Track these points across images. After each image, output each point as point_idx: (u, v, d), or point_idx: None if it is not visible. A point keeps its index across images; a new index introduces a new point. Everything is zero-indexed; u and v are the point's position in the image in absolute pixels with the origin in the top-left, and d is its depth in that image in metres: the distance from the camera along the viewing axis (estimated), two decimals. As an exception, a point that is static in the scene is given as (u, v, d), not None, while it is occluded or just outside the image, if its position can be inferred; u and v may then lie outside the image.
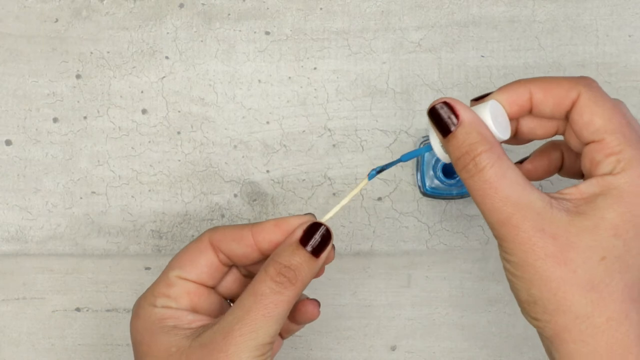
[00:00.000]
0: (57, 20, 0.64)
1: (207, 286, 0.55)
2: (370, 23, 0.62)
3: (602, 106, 0.51)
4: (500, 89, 0.50)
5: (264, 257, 0.53)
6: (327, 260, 0.54)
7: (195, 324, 0.55)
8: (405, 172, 0.63)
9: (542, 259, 0.49)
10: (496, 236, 0.50)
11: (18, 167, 0.64)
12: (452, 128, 0.50)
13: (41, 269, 0.64)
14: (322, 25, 0.63)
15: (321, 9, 0.63)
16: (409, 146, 0.63)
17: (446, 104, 0.50)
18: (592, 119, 0.51)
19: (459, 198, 0.61)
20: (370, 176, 0.54)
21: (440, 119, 0.51)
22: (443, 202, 0.63)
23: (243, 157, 0.63)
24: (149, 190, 0.63)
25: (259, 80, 0.63)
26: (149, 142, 0.63)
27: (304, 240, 0.54)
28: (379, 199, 0.63)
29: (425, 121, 0.63)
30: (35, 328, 0.65)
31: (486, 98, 0.50)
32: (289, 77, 0.63)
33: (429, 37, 0.62)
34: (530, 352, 0.64)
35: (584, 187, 0.50)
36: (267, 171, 0.63)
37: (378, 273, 0.64)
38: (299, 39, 0.63)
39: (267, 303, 0.52)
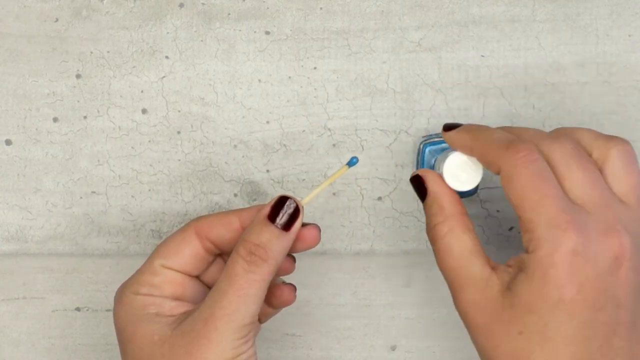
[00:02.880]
0: (57, 20, 0.64)
1: (191, 275, 0.55)
2: (370, 23, 0.63)
3: (516, 183, 0.51)
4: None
5: None
6: (308, 242, 0.54)
7: (177, 310, 0.54)
8: (406, 172, 0.64)
9: (474, 329, 0.52)
10: (456, 291, 0.54)
11: (18, 166, 0.64)
12: (423, 198, 0.55)
13: (41, 269, 0.65)
14: (322, 25, 0.63)
15: (321, 8, 0.63)
16: (409, 146, 0.63)
17: (419, 176, 0.55)
18: (509, 197, 0.51)
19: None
20: (351, 163, 0.55)
21: (416, 188, 0.56)
22: (443, 201, 0.63)
23: (243, 156, 0.63)
24: (149, 190, 0.63)
25: (259, 80, 0.63)
26: (149, 141, 0.63)
27: (272, 215, 0.53)
28: (379, 198, 0.63)
29: (424, 121, 0.63)
30: (35, 328, 0.65)
31: (448, 152, 0.54)
32: (289, 77, 0.63)
33: (429, 36, 0.62)
34: (530, 351, 0.64)
35: (513, 262, 0.52)
36: (267, 171, 0.63)
37: (378, 273, 0.64)
38: (299, 38, 0.63)
39: (241, 283, 0.52)
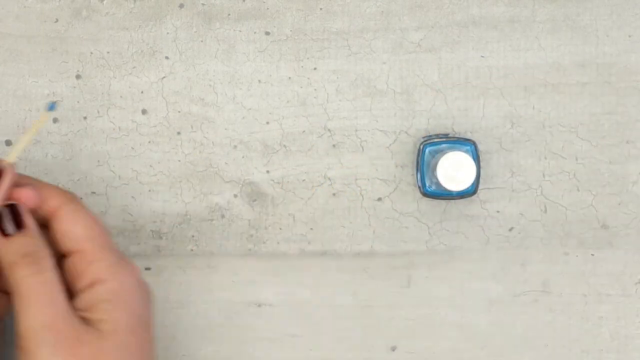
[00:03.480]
0: (57, 20, 0.64)
1: None
2: (370, 23, 0.63)
3: (80, 218, 0.57)
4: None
5: None
6: (28, 202, 0.57)
7: None
8: (405, 173, 0.64)
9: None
10: (21, 343, 0.55)
11: (18, 167, 0.64)
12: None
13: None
14: (322, 26, 0.63)
15: (321, 9, 0.63)
16: (409, 146, 0.63)
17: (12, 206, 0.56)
18: (73, 228, 0.57)
19: (459, 198, 0.62)
20: (51, 108, 0.56)
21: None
22: (443, 202, 0.63)
23: (243, 157, 0.63)
24: (149, 191, 0.63)
25: (259, 81, 0.63)
26: (149, 142, 0.63)
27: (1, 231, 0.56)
28: (379, 199, 0.63)
29: (424, 122, 0.63)
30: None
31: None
32: (289, 77, 0.63)
33: (429, 37, 0.62)
34: (529, 352, 0.64)
35: (85, 299, 0.56)
36: (267, 171, 0.63)
37: (378, 273, 0.64)
38: (299, 39, 0.63)
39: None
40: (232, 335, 0.65)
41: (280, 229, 0.64)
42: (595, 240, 0.65)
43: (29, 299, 0.54)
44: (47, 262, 0.55)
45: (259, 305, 0.64)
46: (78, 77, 0.64)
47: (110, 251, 0.57)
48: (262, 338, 0.64)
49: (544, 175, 0.65)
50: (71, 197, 0.57)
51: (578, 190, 0.65)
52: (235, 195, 0.64)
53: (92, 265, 0.57)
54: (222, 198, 0.63)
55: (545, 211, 0.65)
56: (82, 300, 0.57)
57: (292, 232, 0.64)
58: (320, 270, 0.65)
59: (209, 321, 0.65)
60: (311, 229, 0.64)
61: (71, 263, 0.58)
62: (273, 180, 0.63)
